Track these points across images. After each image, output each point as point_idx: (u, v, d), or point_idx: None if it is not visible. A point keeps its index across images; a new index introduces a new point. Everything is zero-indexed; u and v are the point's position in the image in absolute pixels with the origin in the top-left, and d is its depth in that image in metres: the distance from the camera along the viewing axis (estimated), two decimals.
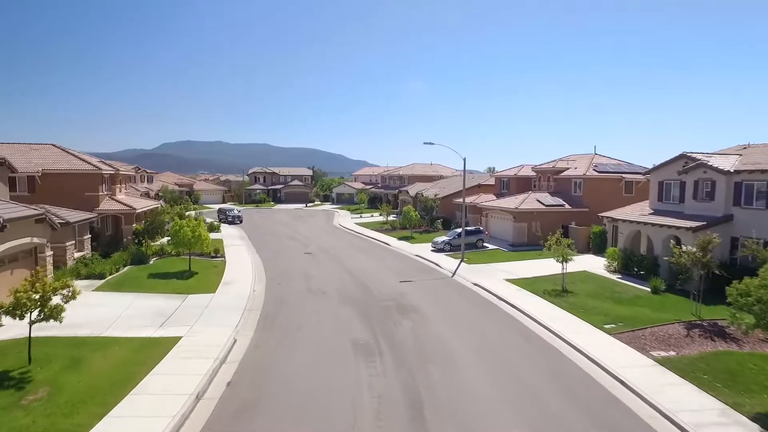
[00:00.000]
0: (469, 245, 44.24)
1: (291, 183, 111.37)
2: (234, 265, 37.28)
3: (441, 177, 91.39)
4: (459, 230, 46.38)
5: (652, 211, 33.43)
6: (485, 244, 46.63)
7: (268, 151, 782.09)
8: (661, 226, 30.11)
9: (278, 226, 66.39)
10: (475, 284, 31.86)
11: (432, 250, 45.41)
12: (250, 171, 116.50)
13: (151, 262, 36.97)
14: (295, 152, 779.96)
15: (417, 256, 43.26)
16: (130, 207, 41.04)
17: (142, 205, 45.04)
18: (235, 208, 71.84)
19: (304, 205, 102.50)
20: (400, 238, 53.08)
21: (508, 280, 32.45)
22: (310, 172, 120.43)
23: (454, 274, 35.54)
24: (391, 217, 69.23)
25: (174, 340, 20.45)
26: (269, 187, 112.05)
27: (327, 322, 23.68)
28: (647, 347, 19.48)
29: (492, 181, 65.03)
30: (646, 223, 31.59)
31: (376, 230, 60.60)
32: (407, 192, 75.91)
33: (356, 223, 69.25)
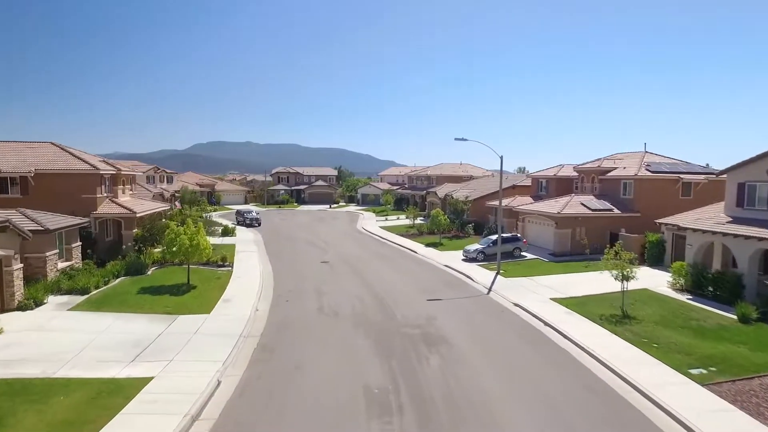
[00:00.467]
0: (505, 254, 39.21)
1: (315, 183, 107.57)
2: (240, 277, 33.10)
3: (471, 177, 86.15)
4: (493, 237, 41.36)
5: (730, 219, 27.80)
6: (523, 253, 41.44)
7: (296, 151, 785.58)
8: (748, 237, 24.56)
9: (298, 230, 62.30)
10: (516, 304, 26.90)
11: (463, 260, 40.52)
12: (274, 171, 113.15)
13: (149, 272, 33.08)
14: (323, 152, 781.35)
15: (447, 266, 38.41)
16: (131, 210, 37.30)
17: (147, 207, 41.34)
18: (254, 210, 68.20)
19: (328, 206, 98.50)
20: (427, 245, 48.29)
21: (555, 300, 27.39)
22: (335, 172, 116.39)
23: (489, 290, 30.60)
24: (419, 220, 64.44)
25: (142, 383, 16.20)
26: (293, 188, 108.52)
27: (335, 358, 19.11)
28: (765, 411, 14.27)
29: (528, 182, 59.60)
30: (726, 234, 26.01)
31: (402, 235, 55.91)
32: (435, 193, 70.95)
33: (381, 227, 64.69)
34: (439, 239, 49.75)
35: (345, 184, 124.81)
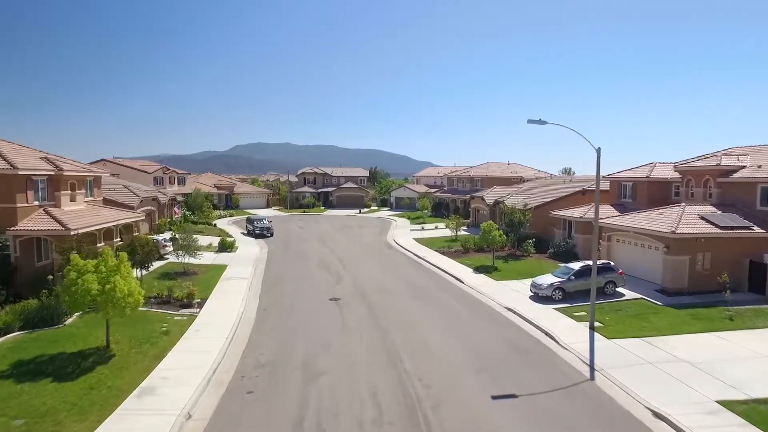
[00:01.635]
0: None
1: (344, 185, 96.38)
2: (200, 330, 21.78)
3: (521, 179, 73.11)
4: (576, 265, 28.83)
5: None
6: (618, 289, 28.66)
7: (333, 152, 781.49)
8: None
9: (315, 243, 50.89)
10: (657, 414, 14.57)
11: (532, 297, 28.17)
12: (299, 171, 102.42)
13: (67, 321, 22.05)
14: (359, 153, 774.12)
15: (509, 309, 26.14)
16: (63, 226, 26.42)
17: (97, 221, 30.42)
18: (266, 218, 57.39)
19: (358, 211, 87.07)
20: (477, 269, 36.05)
21: (724, 404, 14.91)
22: (366, 173, 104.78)
23: (592, 370, 18.23)
24: (462, 231, 52.11)
25: None
26: (319, 190, 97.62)
27: None
28: None
29: (606, 186, 46.52)
30: None
31: (443, 252, 43.76)
32: (482, 198, 58.39)
33: (416, 239, 52.65)
34: (491, 260, 37.41)
35: (378, 187, 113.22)
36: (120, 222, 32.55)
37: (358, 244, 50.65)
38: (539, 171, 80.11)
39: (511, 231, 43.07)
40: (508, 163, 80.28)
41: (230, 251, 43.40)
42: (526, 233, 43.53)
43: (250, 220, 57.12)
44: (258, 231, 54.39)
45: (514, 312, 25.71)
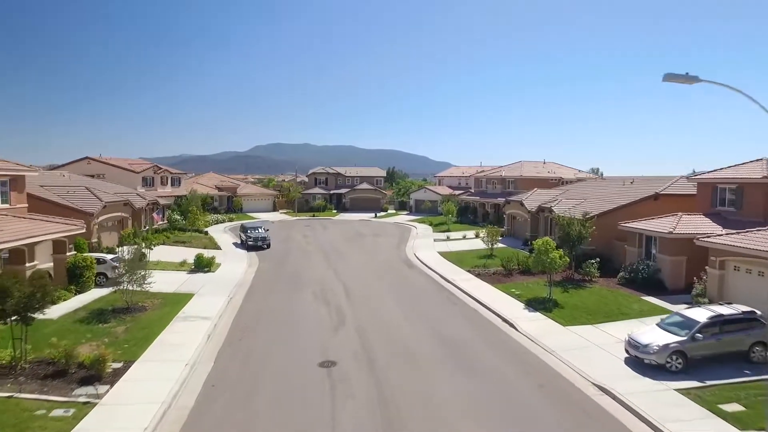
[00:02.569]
0: (730, 356, 16.98)
1: (358, 187, 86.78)
2: None
3: (560, 180, 62.77)
4: (700, 314, 18.60)
5: None
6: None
7: (352, 153, 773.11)
8: None
9: (317, 259, 41.31)
10: None
11: (629, 361, 18.15)
12: (310, 171, 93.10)
13: None
14: (378, 154, 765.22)
15: (603, 391, 16.14)
16: None
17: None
18: (261, 226, 47.83)
19: (373, 215, 77.34)
20: (529, 303, 26.12)
21: None
22: (383, 173, 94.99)
23: None
24: (499, 245, 42.01)
25: None
26: (332, 192, 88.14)
27: None
28: None
29: (685, 189, 36.06)
30: None
31: (478, 273, 33.83)
32: (520, 203, 48.11)
33: (442, 253, 42.75)
34: (545, 289, 27.37)
35: (396, 188, 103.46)
36: (29, 240, 23.15)
37: (370, 260, 40.88)
38: (579, 171, 69.48)
39: (567, 246, 32.79)
40: (544, 162, 69.78)
41: (207, 271, 34.00)
42: (587, 250, 33.34)
43: (243, 228, 47.70)
44: (251, 242, 44.98)
45: (613, 396, 15.69)
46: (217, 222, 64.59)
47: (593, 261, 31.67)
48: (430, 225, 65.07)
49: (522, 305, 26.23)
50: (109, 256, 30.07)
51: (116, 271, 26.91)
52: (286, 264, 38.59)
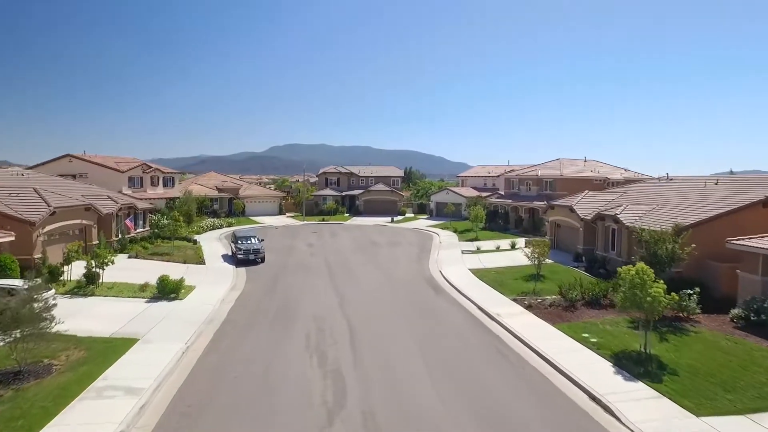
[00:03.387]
0: None
1: (373, 188, 78.36)
2: None
3: (607, 181, 53.78)
4: None
5: None
6: None
7: (368, 153, 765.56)
8: None
9: (320, 279, 33.00)
10: None
11: None
12: (320, 171, 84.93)
13: None
14: (394, 155, 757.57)
15: None
16: None
17: None
18: (255, 236, 39.41)
19: (390, 219, 68.86)
20: (618, 360, 17.46)
21: None
22: (400, 173, 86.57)
23: None
24: (548, 260, 33.17)
25: None
26: (344, 193, 79.82)
27: None
28: None
29: None
30: None
31: (528, 303, 25.14)
32: (570, 209, 39.15)
33: (474, 271, 34.17)
34: (630, 332, 18.69)
35: (414, 189, 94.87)
36: None
37: (386, 280, 32.36)
38: (624, 170, 60.20)
39: (656, 267, 23.84)
40: (585, 161, 60.68)
41: (174, 298, 25.87)
42: (670, 274, 24.49)
43: (234, 238, 39.53)
44: (241, 255, 36.83)
45: None
46: (213, 228, 56.76)
47: (691, 291, 22.83)
48: (455, 232, 56.41)
49: (608, 364, 17.57)
50: (17, 282, 21.76)
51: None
52: (278, 286, 30.30)
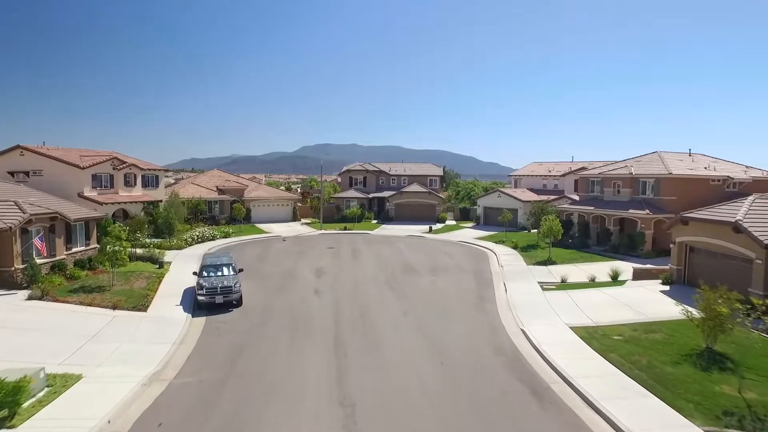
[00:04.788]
0: None
1: (406, 189, 64.00)
2: None
3: (729, 182, 38.38)
4: None
5: None
6: None
7: (399, 153, 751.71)
8: None
9: (313, 351, 18.91)
10: None
11: None
12: (344, 168, 71.03)
13: None
14: (425, 154, 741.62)
15: None
16: None
17: None
18: (229, 265, 24.77)
19: (428, 227, 54.44)
20: None
21: None
22: (438, 172, 71.53)
23: None
24: (691, 309, 18.27)
25: None
26: (372, 195, 65.76)
27: None
28: None
29: None
30: None
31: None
32: (737, 226, 23.88)
33: (580, 331, 19.60)
34: None
35: (455, 191, 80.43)
36: None
37: (434, 359, 17.68)
38: (747, 167, 44.19)
39: None
40: (691, 155, 44.93)
41: (8, 422, 12.29)
42: None
43: (201, 267, 25.68)
44: (204, 296, 23.05)
45: None
46: (202, 240, 43.44)
47: None
48: (515, 248, 41.72)
49: None
50: None
51: None
52: (239, 370, 16.40)
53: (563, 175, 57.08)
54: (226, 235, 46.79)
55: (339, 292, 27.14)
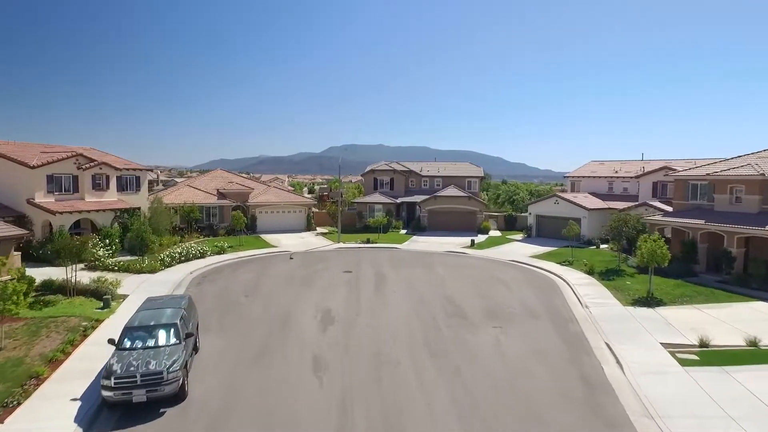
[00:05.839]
0: None
1: (442, 193, 53.20)
2: None
3: None
4: None
5: None
6: None
7: (426, 153, 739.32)
8: None
9: None
10: None
11: None
12: (368, 168, 60.55)
13: None
14: (451, 155, 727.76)
15: None
16: None
17: None
18: (168, 329, 15.08)
19: (469, 241, 43.77)
20: None
21: None
22: (479, 172, 60.01)
23: None
24: None
25: None
26: (400, 200, 55.40)
27: None
28: None
29: None
30: None
31: None
32: None
33: None
34: None
35: (494, 195, 69.59)
36: None
37: None
38: None
39: None
40: None
41: None
42: None
43: (123, 331, 15.47)
44: (114, 389, 13.04)
45: None
46: (187, 258, 33.69)
47: None
48: (589, 272, 30.95)
49: None
50: None
51: None
52: None
53: (636, 177, 45.57)
54: (220, 251, 37.03)
55: (352, 366, 16.76)
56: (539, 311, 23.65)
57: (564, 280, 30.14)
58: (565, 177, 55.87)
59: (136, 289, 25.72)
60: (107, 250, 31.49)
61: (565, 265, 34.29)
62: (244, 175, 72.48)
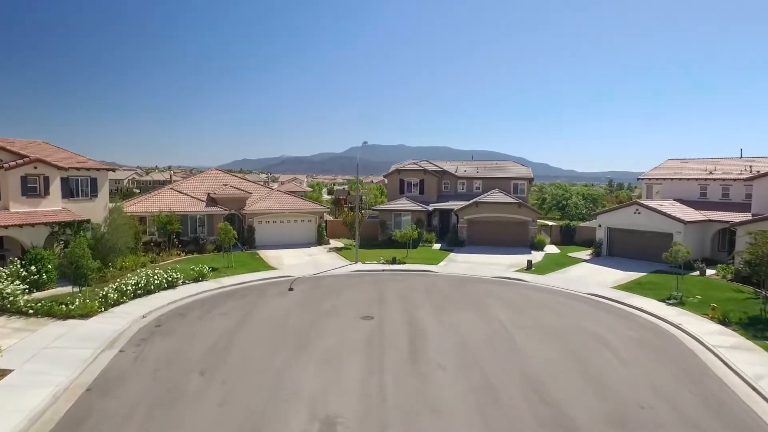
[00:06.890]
0: None
1: (485, 198, 42.30)
2: None
3: None
4: None
5: None
6: None
7: (447, 153, 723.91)
8: None
9: None
10: None
11: None
12: (393, 168, 49.93)
13: None
14: (474, 155, 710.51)
15: None
16: None
17: None
18: None
19: (524, 261, 33.35)
20: None
21: None
22: (528, 174, 48.94)
23: None
24: None
25: None
26: (432, 206, 45.08)
27: None
28: None
29: None
30: None
31: None
32: None
33: None
34: None
35: (539, 200, 58.99)
36: None
37: None
38: None
39: None
40: None
41: None
42: None
43: None
44: None
45: None
46: (146, 291, 23.98)
47: None
48: (722, 322, 20.60)
49: None
50: None
51: None
52: None
53: (747, 179, 34.32)
54: (198, 277, 27.32)
55: None
56: (697, 415, 13.18)
57: (692, 336, 19.61)
58: (638, 178, 44.63)
59: (33, 357, 16.11)
60: (26, 283, 22.02)
61: (673, 304, 23.74)
62: (262, 174, 63.12)
